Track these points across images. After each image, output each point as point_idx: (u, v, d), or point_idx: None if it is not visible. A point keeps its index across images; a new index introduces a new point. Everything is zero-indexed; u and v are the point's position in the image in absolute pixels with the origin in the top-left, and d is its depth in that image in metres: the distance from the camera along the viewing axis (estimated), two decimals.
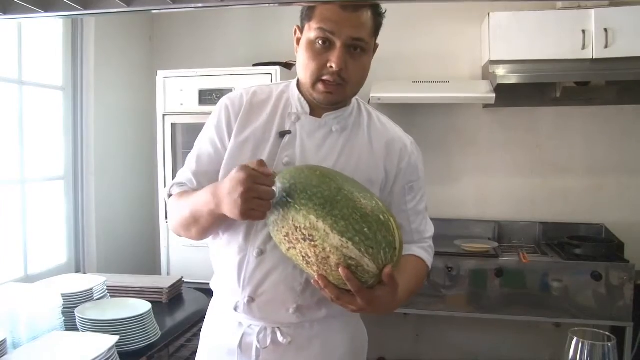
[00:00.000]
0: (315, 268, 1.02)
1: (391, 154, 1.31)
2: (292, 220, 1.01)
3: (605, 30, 2.57)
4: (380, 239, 0.98)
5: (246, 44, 3.28)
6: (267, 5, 0.62)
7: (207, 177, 1.31)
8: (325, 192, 1.00)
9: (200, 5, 0.65)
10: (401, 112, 3.24)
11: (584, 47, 2.60)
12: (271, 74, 2.68)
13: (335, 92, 1.23)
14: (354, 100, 1.36)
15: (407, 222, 1.35)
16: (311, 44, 1.21)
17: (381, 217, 1.00)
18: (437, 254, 2.74)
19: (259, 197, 1.04)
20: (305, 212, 1.00)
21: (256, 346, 1.26)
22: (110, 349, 1.47)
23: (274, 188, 1.06)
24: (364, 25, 1.20)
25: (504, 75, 2.72)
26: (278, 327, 1.26)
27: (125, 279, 2.25)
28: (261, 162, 1.07)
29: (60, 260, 2.68)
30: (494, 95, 2.71)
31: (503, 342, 3.11)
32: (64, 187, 2.70)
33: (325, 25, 1.17)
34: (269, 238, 1.20)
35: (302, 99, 1.30)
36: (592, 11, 2.59)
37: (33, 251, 2.45)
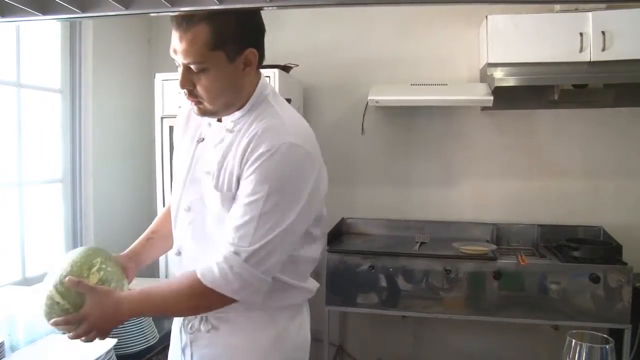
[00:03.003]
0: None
1: (241, 154, 1.22)
2: None
3: (603, 33, 2.57)
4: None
5: None
6: (265, 8, 0.62)
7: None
8: None
9: (198, 8, 0.65)
10: (399, 114, 3.25)
11: (581, 50, 2.61)
12: (269, 76, 2.68)
13: (200, 107, 1.26)
14: (260, 97, 1.31)
15: (229, 222, 1.21)
16: (177, 67, 1.25)
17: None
18: (435, 256, 2.75)
19: None
20: None
21: (187, 332, 1.34)
22: (108, 351, 1.47)
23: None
24: (190, 47, 1.17)
25: (502, 77, 2.72)
26: (205, 316, 1.32)
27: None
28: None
29: None
30: (492, 97, 2.71)
31: (501, 344, 3.11)
32: (62, 190, 2.69)
33: (170, 49, 1.21)
34: (182, 240, 1.35)
35: None
36: (590, 14, 2.60)
37: (31, 254, 2.44)
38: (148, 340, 1.71)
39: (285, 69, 2.89)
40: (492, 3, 1.82)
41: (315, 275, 3.64)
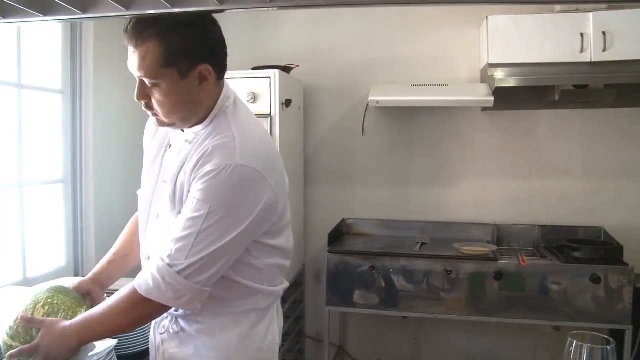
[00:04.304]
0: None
1: (198, 163, 1.24)
2: None
3: (604, 33, 2.57)
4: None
5: (245, 48, 3.28)
6: (265, 9, 0.62)
7: None
8: None
9: (199, 9, 0.65)
10: (400, 115, 3.25)
11: (582, 50, 2.61)
12: (270, 77, 2.68)
13: (157, 119, 1.30)
14: (220, 110, 1.31)
15: (173, 224, 1.25)
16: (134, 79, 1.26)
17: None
18: (436, 257, 2.75)
19: None
20: None
21: (159, 332, 1.40)
22: (109, 352, 1.46)
23: None
24: (142, 63, 1.19)
25: (503, 78, 2.72)
26: (176, 317, 1.37)
27: (124, 282, 2.24)
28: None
29: (59, 264, 2.67)
30: (492, 98, 2.71)
31: (502, 345, 3.11)
32: (62, 191, 2.69)
33: (128, 62, 1.23)
34: (153, 246, 1.35)
35: None
36: (590, 14, 2.60)
37: (32, 254, 2.44)
38: (148, 341, 1.71)
39: (286, 69, 2.90)
40: (493, 3, 1.81)
41: (316, 275, 3.67)
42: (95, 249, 2.76)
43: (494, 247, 2.83)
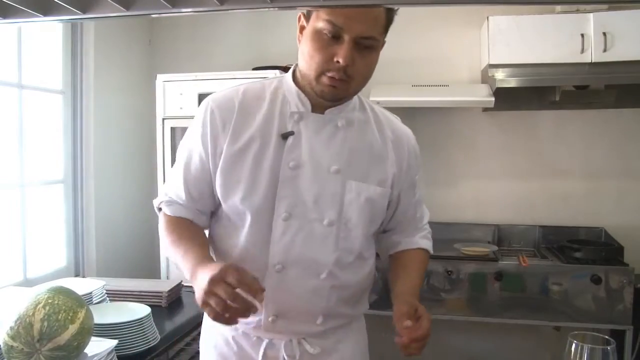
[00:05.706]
0: None
1: (401, 148, 1.33)
2: None
3: (604, 34, 2.57)
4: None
5: (246, 48, 3.29)
6: (266, 9, 0.62)
7: (197, 188, 1.25)
8: None
9: (199, 9, 0.65)
10: (401, 115, 3.22)
11: (582, 51, 2.61)
12: (269, 77, 2.68)
13: (339, 87, 1.16)
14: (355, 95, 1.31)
15: (414, 211, 1.44)
16: (318, 34, 1.13)
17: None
18: (436, 258, 2.74)
19: (223, 308, 1.00)
20: None
21: (284, 358, 1.25)
22: (109, 353, 1.46)
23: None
24: (375, 22, 1.15)
25: (503, 78, 2.72)
26: (304, 338, 1.27)
27: (124, 282, 2.25)
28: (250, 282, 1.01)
29: (60, 264, 2.67)
30: (493, 98, 2.71)
31: (502, 345, 3.10)
32: (63, 191, 2.70)
33: (335, 18, 1.10)
34: (288, 250, 1.19)
35: (302, 94, 1.23)
36: (591, 15, 2.60)
37: (32, 255, 2.45)
38: (149, 341, 1.71)
39: (287, 70, 2.89)
40: (493, 4, 1.81)
41: None
42: (96, 250, 2.77)
43: (495, 248, 2.82)
